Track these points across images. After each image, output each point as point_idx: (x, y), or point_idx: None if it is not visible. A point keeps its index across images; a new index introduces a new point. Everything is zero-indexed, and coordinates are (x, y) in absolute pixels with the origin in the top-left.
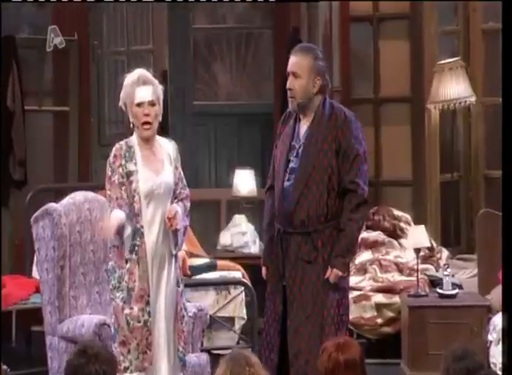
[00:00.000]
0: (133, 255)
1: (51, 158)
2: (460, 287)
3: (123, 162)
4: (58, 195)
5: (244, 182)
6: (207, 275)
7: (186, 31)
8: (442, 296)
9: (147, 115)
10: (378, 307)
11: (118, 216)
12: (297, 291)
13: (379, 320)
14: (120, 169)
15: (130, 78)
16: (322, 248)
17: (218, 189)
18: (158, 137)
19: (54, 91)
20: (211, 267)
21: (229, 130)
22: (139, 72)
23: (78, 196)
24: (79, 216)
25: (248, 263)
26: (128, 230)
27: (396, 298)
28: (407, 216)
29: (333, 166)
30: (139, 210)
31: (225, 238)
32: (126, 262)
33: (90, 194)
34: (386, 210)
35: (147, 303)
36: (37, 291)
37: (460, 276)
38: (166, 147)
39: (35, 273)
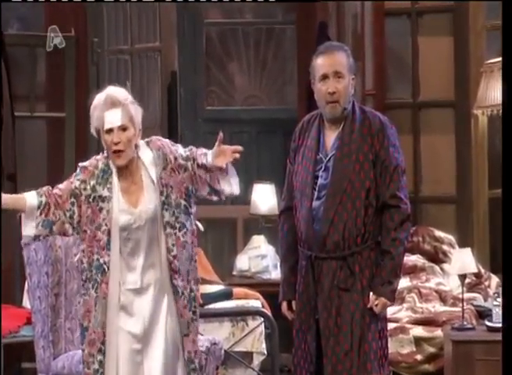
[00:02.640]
0: (92, 291)
1: (44, 171)
2: None
3: (93, 182)
4: None
5: (264, 198)
6: (221, 304)
7: (197, 27)
8: (491, 329)
9: (116, 143)
10: (418, 341)
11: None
12: (333, 324)
13: (419, 357)
14: (87, 188)
15: (97, 99)
16: (360, 273)
17: (234, 206)
18: (141, 148)
19: (47, 95)
20: (226, 295)
21: (247, 138)
22: (106, 92)
23: None
24: (76, 237)
25: (268, 291)
26: (29, 231)
27: (438, 332)
28: (451, 238)
29: (371, 179)
30: (105, 244)
31: (242, 262)
32: (83, 295)
33: None
34: (427, 231)
35: (99, 351)
36: (29, 322)
37: None
38: (145, 157)
39: (26, 302)
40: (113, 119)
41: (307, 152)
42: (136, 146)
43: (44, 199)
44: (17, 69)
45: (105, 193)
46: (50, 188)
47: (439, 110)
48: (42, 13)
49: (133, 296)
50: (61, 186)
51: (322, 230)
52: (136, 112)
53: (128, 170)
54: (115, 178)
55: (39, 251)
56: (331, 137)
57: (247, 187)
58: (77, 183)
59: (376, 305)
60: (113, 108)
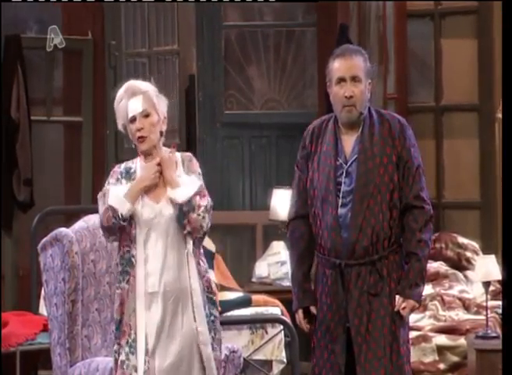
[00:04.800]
0: (125, 284)
1: (61, 176)
2: None
3: (119, 177)
4: (70, 219)
5: (283, 203)
6: (240, 311)
7: (216, 29)
8: None
9: (140, 129)
10: (441, 350)
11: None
12: (365, 330)
13: (442, 366)
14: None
15: (119, 95)
16: (388, 276)
17: (254, 212)
18: (164, 150)
19: (64, 99)
20: (245, 302)
21: (266, 143)
22: (125, 85)
23: (92, 220)
24: (93, 242)
25: (288, 298)
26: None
27: (462, 340)
28: (475, 244)
29: (395, 182)
30: (134, 237)
31: (262, 269)
32: (117, 288)
33: None
34: (450, 237)
35: (127, 343)
36: (45, 329)
37: None
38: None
39: (42, 309)
40: (135, 106)
41: (325, 159)
42: (162, 134)
43: None
44: (34, 73)
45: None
46: None
47: (462, 114)
48: (60, 16)
49: (151, 298)
50: None
51: (351, 237)
52: (159, 100)
53: (153, 159)
54: (137, 174)
55: (55, 258)
56: (349, 141)
57: (266, 193)
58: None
59: (403, 308)
60: (134, 97)
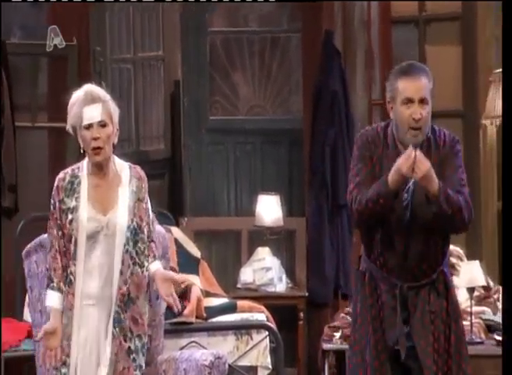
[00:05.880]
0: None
1: (45, 182)
2: None
3: (63, 196)
4: None
5: (269, 210)
6: (225, 317)
7: (201, 35)
8: (500, 343)
9: (96, 138)
10: None
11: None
12: (433, 351)
13: None
14: (60, 205)
15: (76, 96)
16: (444, 290)
17: (239, 218)
18: (117, 162)
19: (49, 105)
20: (231, 308)
21: (251, 149)
22: (85, 88)
23: None
24: None
25: (273, 304)
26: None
27: None
28: (459, 250)
29: None
30: (72, 253)
31: (247, 275)
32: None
33: None
34: None
35: (64, 363)
36: (30, 336)
37: None
38: (124, 175)
39: (27, 316)
40: (93, 114)
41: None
42: (114, 146)
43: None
44: (18, 79)
45: (73, 203)
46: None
47: (446, 120)
48: (44, 22)
49: (92, 310)
50: (59, 241)
51: (411, 262)
52: (115, 110)
53: (102, 172)
54: (84, 183)
55: (40, 264)
56: None
57: (251, 198)
58: (58, 215)
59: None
60: (93, 103)
